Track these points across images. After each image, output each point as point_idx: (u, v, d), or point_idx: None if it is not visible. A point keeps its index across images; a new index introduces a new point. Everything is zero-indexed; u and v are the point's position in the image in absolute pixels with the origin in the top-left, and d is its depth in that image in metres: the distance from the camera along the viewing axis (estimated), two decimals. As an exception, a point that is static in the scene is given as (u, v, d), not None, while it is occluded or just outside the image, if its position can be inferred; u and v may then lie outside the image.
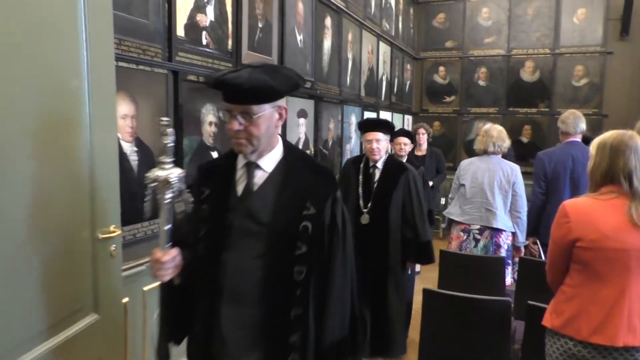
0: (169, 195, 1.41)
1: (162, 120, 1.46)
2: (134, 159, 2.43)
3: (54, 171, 1.56)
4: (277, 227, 1.41)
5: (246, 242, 1.42)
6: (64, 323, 1.61)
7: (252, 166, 1.45)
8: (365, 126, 3.28)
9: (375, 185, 3.20)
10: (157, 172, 1.40)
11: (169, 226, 1.42)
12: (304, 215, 1.41)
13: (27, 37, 1.42)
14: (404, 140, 4.17)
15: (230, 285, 1.42)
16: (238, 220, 1.43)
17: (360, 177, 3.24)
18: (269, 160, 1.46)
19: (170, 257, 1.40)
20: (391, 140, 3.77)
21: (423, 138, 5.48)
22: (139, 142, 2.45)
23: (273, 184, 1.44)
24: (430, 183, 5.28)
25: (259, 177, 1.45)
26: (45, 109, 1.51)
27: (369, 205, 3.15)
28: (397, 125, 7.14)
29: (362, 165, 3.28)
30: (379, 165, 3.22)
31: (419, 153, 5.42)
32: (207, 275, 1.45)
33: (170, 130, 1.41)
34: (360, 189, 3.22)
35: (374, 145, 3.14)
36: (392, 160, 3.31)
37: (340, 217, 1.48)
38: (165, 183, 1.39)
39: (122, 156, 2.30)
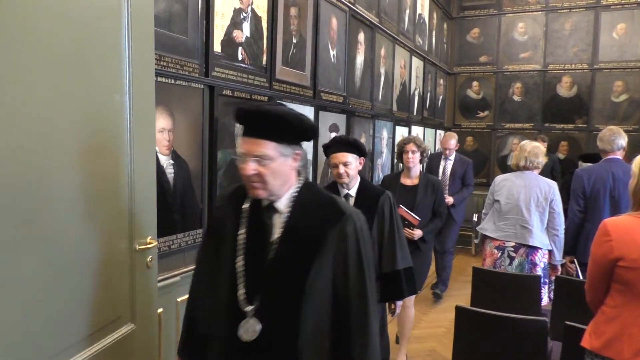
0: None
1: None
2: (170, 171, 2.48)
3: (97, 183, 1.61)
4: None
5: None
6: (103, 332, 1.65)
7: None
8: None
9: (274, 250, 1.40)
10: None
11: None
12: None
13: (74, 54, 1.47)
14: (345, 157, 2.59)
15: None
16: None
17: (243, 231, 1.45)
18: None
19: None
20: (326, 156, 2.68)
21: (414, 159, 3.58)
22: (175, 156, 2.51)
23: None
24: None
25: None
26: (90, 122, 1.56)
27: (259, 298, 1.39)
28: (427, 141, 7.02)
29: (246, 207, 1.49)
30: (281, 205, 1.44)
31: (407, 182, 3.69)
32: None
33: None
34: (240, 260, 1.42)
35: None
36: (311, 194, 1.49)
37: None
38: None
39: (159, 169, 2.35)
